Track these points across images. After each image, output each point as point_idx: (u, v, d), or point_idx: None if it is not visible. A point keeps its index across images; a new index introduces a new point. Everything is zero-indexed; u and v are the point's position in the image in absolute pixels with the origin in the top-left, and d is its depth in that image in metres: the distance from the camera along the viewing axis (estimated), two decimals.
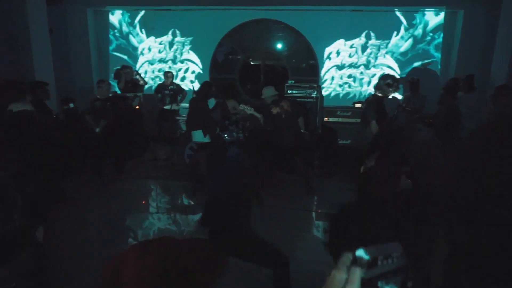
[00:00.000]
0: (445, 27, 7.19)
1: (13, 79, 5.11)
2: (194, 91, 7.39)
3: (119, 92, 7.13)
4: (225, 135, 6.42)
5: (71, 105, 5.53)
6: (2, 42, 6.43)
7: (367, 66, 7.63)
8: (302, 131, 5.59)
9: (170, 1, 7.61)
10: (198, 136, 5.56)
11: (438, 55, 7.32)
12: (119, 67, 7.81)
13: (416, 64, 7.42)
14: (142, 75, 8.43)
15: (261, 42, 8.11)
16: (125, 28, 8.45)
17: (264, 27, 7.99)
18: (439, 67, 7.31)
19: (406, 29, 7.36)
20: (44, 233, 2.37)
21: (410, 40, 7.38)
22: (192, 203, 5.23)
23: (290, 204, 4.95)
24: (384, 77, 4.96)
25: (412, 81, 6.07)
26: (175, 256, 0.68)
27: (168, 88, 7.09)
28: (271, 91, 5.54)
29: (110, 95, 6.12)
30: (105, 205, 5.09)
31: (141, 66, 8.53)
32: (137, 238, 4.32)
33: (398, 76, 7.42)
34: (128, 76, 7.36)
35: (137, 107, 6.98)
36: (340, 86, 7.80)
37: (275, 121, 5.19)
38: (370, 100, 4.96)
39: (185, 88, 7.46)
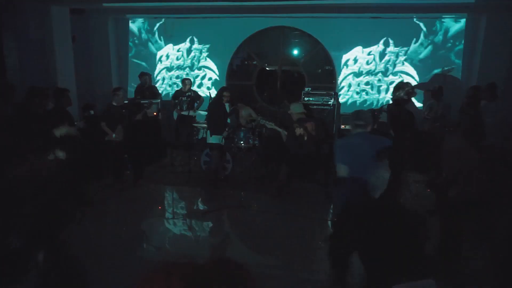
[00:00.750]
0: (466, 33, 7.05)
1: (37, 85, 5.26)
2: (211, 97, 7.46)
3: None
4: (241, 142, 6.45)
5: (92, 112, 5.65)
6: (28, 50, 6.65)
7: (385, 73, 7.54)
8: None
9: (188, 10, 7.72)
10: (214, 140, 5.60)
11: (459, 61, 7.16)
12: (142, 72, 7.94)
13: (436, 71, 7.28)
14: (160, 82, 8.58)
15: (278, 48, 8.13)
16: (144, 36, 8.62)
17: (281, 34, 8.01)
18: (460, 74, 7.16)
19: (426, 36, 7.25)
20: (46, 256, 2.42)
21: (430, 47, 7.25)
22: (208, 208, 5.25)
23: (309, 213, 4.91)
24: (402, 86, 4.83)
25: (435, 89, 5.95)
26: (201, 281, 0.68)
27: (186, 95, 7.17)
28: (299, 109, 5.41)
29: (126, 102, 6.23)
30: (124, 210, 5.17)
31: (159, 73, 8.67)
32: (153, 243, 4.35)
33: (416, 83, 7.31)
34: (147, 83, 7.50)
35: (154, 113, 7.08)
36: (358, 93, 7.73)
37: (297, 140, 5.18)
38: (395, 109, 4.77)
39: (202, 94, 7.52)
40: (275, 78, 8.23)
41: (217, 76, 8.37)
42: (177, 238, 4.58)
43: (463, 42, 7.08)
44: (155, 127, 7.14)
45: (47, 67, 6.93)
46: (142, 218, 4.90)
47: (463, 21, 7.06)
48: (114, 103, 5.65)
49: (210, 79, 8.45)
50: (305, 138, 5.11)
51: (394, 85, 4.80)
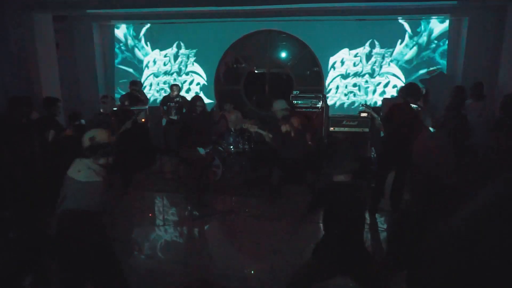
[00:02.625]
0: (450, 34, 7.17)
1: (21, 94, 5.16)
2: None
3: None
4: (231, 147, 6.42)
5: (82, 121, 5.54)
6: (11, 58, 6.51)
7: (372, 74, 7.62)
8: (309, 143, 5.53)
9: (174, 15, 7.68)
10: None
11: (443, 62, 7.28)
12: (125, 81, 7.86)
13: (422, 71, 7.38)
14: (147, 88, 8.51)
15: (265, 52, 8.15)
16: (130, 42, 8.53)
17: (268, 37, 8.03)
18: (445, 74, 7.27)
19: (411, 37, 7.35)
20: (33, 281, 2.36)
21: (415, 48, 7.36)
22: (198, 215, 5.20)
23: (299, 216, 4.90)
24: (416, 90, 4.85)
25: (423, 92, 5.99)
26: None
27: (174, 101, 7.11)
28: (281, 105, 5.24)
29: (115, 109, 6.15)
30: (113, 218, 5.08)
31: (146, 79, 8.59)
32: (143, 251, 4.28)
33: (402, 84, 7.40)
34: (136, 92, 7.42)
35: (143, 120, 7.00)
36: (345, 95, 7.78)
37: (284, 138, 5.07)
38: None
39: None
40: (263, 81, 8.24)
41: (205, 81, 8.34)
42: (168, 245, 4.51)
43: (447, 42, 7.21)
44: (144, 133, 7.06)
45: (31, 76, 6.80)
46: (132, 225, 4.82)
47: (447, 22, 7.18)
48: (102, 111, 5.57)
49: (198, 84, 8.41)
50: (292, 134, 5.03)
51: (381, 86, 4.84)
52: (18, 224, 2.52)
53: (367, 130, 6.36)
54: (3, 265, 2.18)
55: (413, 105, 4.67)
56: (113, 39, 8.53)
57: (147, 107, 7.49)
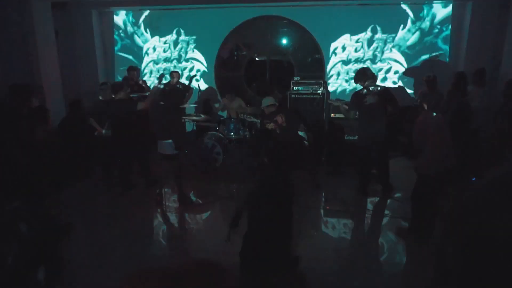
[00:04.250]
0: (453, 19, 7.06)
1: (20, 82, 5.15)
2: (200, 89, 7.38)
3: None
4: (232, 133, 6.42)
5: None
6: (10, 46, 6.48)
7: (373, 60, 7.54)
8: (302, 133, 5.56)
9: (174, 1, 7.58)
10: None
11: (446, 47, 7.19)
12: (125, 68, 7.81)
13: (424, 57, 7.30)
14: (147, 75, 8.46)
15: (266, 38, 8.06)
16: (129, 28, 8.46)
17: (269, 23, 7.93)
18: (447, 60, 7.19)
19: (413, 22, 7.25)
20: (46, 273, 2.39)
21: (417, 33, 7.26)
22: (200, 202, 5.24)
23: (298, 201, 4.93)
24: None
25: (429, 79, 5.91)
26: (179, 283, 0.67)
27: (175, 88, 7.08)
28: (268, 101, 5.40)
29: (113, 96, 6.14)
30: (115, 204, 5.13)
31: (146, 66, 8.54)
32: (145, 237, 4.34)
33: (404, 69, 7.34)
34: (135, 78, 7.38)
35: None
36: (347, 81, 7.73)
37: (272, 134, 5.17)
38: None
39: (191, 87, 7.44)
40: (264, 68, 8.18)
41: (206, 67, 8.29)
42: (170, 231, 4.57)
43: (450, 27, 7.10)
44: (144, 121, 7.04)
45: (30, 64, 6.77)
46: (134, 213, 4.88)
47: (450, 6, 7.06)
48: (101, 98, 5.56)
49: (198, 70, 8.36)
50: (278, 131, 5.10)
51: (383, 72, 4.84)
52: (28, 215, 2.53)
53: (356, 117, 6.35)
54: (16, 260, 2.20)
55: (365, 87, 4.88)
56: (113, 26, 8.45)
57: (148, 94, 7.46)
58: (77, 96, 7.02)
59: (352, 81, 7.67)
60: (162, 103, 4.94)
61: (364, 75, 4.94)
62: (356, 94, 5.05)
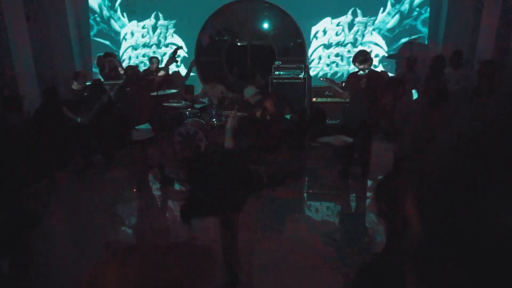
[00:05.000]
0: (431, 1, 7.12)
1: None
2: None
3: (102, 79, 6.96)
4: (214, 120, 6.37)
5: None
6: None
7: (354, 44, 7.56)
8: (289, 117, 5.56)
9: None
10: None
11: (425, 30, 7.27)
12: (101, 54, 7.60)
13: (404, 40, 7.37)
14: (126, 62, 8.25)
15: (247, 22, 7.95)
16: (105, 13, 8.18)
17: (249, 7, 7.81)
18: (426, 42, 7.28)
19: (393, 5, 7.27)
20: (10, 263, 2.34)
21: (397, 16, 7.30)
22: (184, 189, 5.21)
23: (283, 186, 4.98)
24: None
25: (410, 60, 6.00)
26: (157, 267, 0.66)
27: (154, 74, 6.93)
28: (252, 91, 5.41)
29: (88, 83, 5.99)
30: (95, 195, 5.05)
31: (124, 52, 8.32)
32: (128, 226, 4.31)
33: (385, 53, 7.39)
34: (111, 64, 7.18)
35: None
36: (328, 65, 7.74)
37: (261, 122, 5.14)
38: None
39: (171, 73, 7.30)
40: (245, 53, 8.09)
41: (186, 53, 8.13)
42: (154, 218, 4.55)
43: (428, 10, 7.17)
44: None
45: (1, 51, 6.49)
46: (117, 202, 4.82)
47: None
48: (74, 87, 5.43)
49: (178, 56, 8.19)
50: (268, 117, 5.09)
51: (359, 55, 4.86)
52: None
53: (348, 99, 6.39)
54: None
55: (361, 69, 4.84)
56: (87, 10, 8.15)
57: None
58: (53, 83, 6.80)
59: (334, 65, 7.73)
60: (128, 88, 4.85)
61: (364, 57, 4.93)
62: (353, 75, 5.02)
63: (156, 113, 5.13)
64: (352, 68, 7.63)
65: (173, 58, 5.38)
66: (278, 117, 5.18)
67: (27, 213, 3.14)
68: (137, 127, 4.74)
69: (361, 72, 4.89)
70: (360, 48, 7.53)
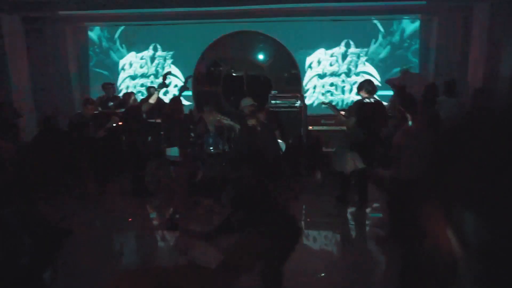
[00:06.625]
0: (421, 33, 7.40)
1: None
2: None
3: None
4: (211, 148, 6.38)
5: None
6: None
7: (348, 74, 7.76)
8: (280, 141, 5.60)
9: (150, 17, 7.59)
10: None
11: (416, 60, 7.50)
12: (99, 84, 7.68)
13: (396, 70, 7.58)
14: (124, 90, 8.33)
15: (243, 53, 8.15)
16: (104, 44, 8.37)
17: (245, 38, 8.04)
18: (418, 72, 7.49)
19: (384, 37, 7.54)
20: (52, 275, 2.28)
21: (388, 47, 7.55)
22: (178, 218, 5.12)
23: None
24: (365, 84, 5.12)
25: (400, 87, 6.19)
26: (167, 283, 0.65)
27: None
28: (248, 102, 5.52)
29: (96, 112, 6.08)
30: (92, 224, 4.96)
31: (122, 82, 8.44)
32: (124, 256, 4.20)
33: (378, 82, 7.57)
34: (110, 93, 7.27)
35: (119, 123, 6.86)
36: (323, 94, 7.89)
37: (251, 132, 5.15)
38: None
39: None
40: (242, 82, 8.23)
41: (183, 83, 8.26)
42: (150, 249, 4.44)
43: (418, 41, 7.43)
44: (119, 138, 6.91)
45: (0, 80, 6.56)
46: (112, 232, 4.72)
47: (417, 21, 7.41)
48: (83, 114, 5.54)
49: (176, 86, 8.33)
50: (258, 128, 5.08)
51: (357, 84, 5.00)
52: (25, 222, 2.39)
53: (344, 128, 6.46)
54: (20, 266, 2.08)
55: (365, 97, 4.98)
56: (87, 41, 8.34)
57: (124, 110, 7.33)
58: (53, 112, 6.82)
59: (328, 94, 7.88)
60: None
61: (372, 88, 5.08)
62: (359, 103, 5.14)
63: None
64: (347, 97, 7.81)
65: (163, 83, 5.54)
66: (268, 132, 5.18)
67: (58, 226, 3.07)
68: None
69: (366, 100, 4.99)
70: (354, 78, 7.73)
